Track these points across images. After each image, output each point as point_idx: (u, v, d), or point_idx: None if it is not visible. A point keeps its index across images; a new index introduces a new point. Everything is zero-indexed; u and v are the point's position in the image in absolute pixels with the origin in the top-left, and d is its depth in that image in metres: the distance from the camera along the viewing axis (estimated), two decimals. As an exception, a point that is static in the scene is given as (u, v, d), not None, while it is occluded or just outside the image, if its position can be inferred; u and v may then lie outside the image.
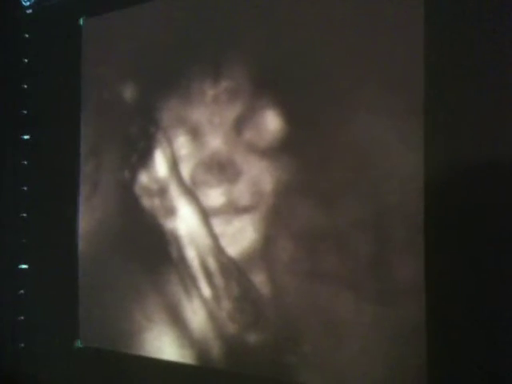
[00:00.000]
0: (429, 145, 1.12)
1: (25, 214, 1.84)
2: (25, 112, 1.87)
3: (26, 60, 1.89)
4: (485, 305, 1.06)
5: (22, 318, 1.82)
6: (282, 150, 1.31)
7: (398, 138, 1.15)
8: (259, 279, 1.32)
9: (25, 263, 1.83)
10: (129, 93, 1.60)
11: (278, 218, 1.31)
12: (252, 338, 1.33)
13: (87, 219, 1.69)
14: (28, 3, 1.91)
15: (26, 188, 1.85)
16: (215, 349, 1.40)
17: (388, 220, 1.16)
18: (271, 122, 1.32)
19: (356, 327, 1.17)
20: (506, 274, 1.05)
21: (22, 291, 1.82)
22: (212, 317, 1.40)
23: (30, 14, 1.90)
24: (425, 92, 1.12)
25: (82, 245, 1.70)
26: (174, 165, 1.49)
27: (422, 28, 1.12)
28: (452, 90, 1.10)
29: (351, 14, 1.21)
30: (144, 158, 1.56)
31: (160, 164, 1.52)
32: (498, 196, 1.06)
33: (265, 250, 1.32)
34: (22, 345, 1.82)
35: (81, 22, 1.75)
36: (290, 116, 1.30)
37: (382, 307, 1.15)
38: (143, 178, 1.56)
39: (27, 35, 1.90)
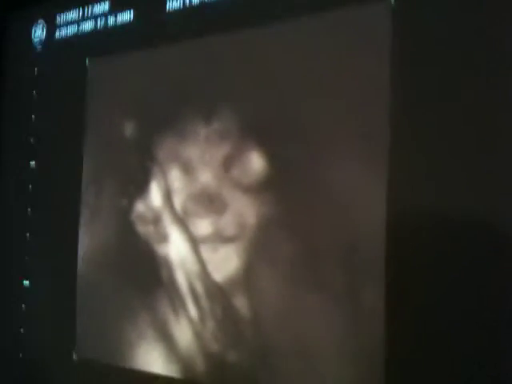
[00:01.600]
0: (391, 190, 1.25)
1: (28, 234, 2.00)
2: (31, 141, 2.04)
3: (34, 92, 2.06)
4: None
5: (22, 330, 1.97)
6: (264, 187, 1.46)
7: (364, 181, 1.29)
8: (240, 303, 1.47)
9: (27, 280, 1.98)
10: (129, 129, 1.76)
11: (258, 247, 1.45)
12: (232, 355, 1.47)
13: (86, 242, 1.83)
14: (38, 40, 2.08)
15: (30, 210, 2.01)
16: (199, 364, 1.54)
17: (354, 252, 1.31)
18: (255, 162, 1.48)
19: (323, 349, 1.32)
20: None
21: (23, 306, 1.97)
22: (197, 335, 1.55)
23: (39, 51, 2.08)
24: (390, 141, 1.27)
25: (80, 265, 1.84)
26: (167, 196, 1.65)
27: (387, 91, 1.27)
28: (416, 141, 1.25)
29: (327, 73, 1.37)
30: (140, 189, 1.71)
31: (155, 195, 1.68)
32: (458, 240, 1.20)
33: (246, 277, 1.46)
34: (21, 355, 1.97)
35: (86, 61, 1.92)
36: (272, 158, 1.45)
37: (347, 331, 1.30)
38: (139, 207, 1.71)
39: (36, 69, 2.07)
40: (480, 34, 1.15)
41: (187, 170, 1.61)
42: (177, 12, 1.71)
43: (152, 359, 1.64)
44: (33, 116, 2.05)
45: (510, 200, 1.09)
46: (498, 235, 1.13)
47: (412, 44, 1.23)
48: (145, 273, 1.68)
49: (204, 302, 1.54)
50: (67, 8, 2.00)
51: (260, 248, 1.46)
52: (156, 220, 1.66)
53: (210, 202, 1.55)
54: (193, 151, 1.60)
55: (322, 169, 1.36)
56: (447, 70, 1.18)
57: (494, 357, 1.10)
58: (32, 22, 2.11)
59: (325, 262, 1.34)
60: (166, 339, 1.61)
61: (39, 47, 2.09)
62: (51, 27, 2.05)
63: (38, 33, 2.09)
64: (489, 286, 1.12)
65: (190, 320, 1.57)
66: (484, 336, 1.11)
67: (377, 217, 1.25)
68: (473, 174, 1.15)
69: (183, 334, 1.58)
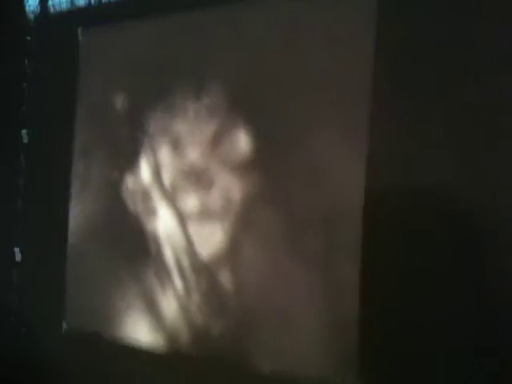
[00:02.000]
0: (370, 162, 1.28)
1: (19, 204, 2.02)
2: (24, 108, 2.05)
3: (26, 61, 2.06)
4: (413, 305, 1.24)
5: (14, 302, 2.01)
6: (250, 164, 1.48)
7: (344, 155, 1.33)
8: (225, 276, 1.51)
9: (18, 248, 2.02)
10: (119, 101, 1.77)
11: (243, 223, 1.49)
12: (216, 326, 1.52)
13: (76, 213, 1.86)
14: (31, 10, 2.07)
15: (22, 180, 2.03)
16: (184, 334, 1.59)
17: (333, 227, 1.35)
18: (242, 140, 1.50)
19: (302, 319, 1.37)
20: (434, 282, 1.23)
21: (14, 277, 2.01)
22: (183, 307, 1.59)
23: (32, 20, 2.06)
24: (370, 115, 1.29)
25: (70, 236, 1.88)
26: (156, 171, 1.67)
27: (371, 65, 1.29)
28: (397, 115, 1.27)
29: (313, 54, 1.39)
30: (130, 162, 1.73)
31: (144, 169, 1.70)
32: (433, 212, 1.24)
33: (231, 251, 1.50)
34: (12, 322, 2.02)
35: (79, 32, 1.91)
36: (258, 135, 1.47)
37: (324, 302, 1.34)
38: (129, 180, 1.73)
39: (29, 38, 2.07)
40: (465, 27, 1.17)
41: (176, 145, 1.63)
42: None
43: (139, 329, 1.69)
44: (24, 84, 2.05)
45: (485, 179, 1.14)
46: (472, 214, 1.17)
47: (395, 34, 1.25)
48: (133, 245, 1.71)
49: (190, 274, 1.58)
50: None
51: (244, 223, 1.49)
52: (145, 194, 1.69)
53: (198, 178, 1.57)
54: (182, 126, 1.62)
55: (305, 147, 1.40)
56: (428, 56, 1.21)
57: (466, 326, 1.15)
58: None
59: (305, 237, 1.39)
60: (153, 310, 1.66)
61: (32, 17, 2.07)
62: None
63: (32, 3, 2.07)
64: (462, 263, 1.16)
65: (176, 292, 1.61)
66: (456, 310, 1.16)
67: (355, 194, 1.30)
68: (450, 153, 1.18)
69: (169, 305, 1.63)
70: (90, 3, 1.88)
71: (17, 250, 2.02)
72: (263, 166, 1.47)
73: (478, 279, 1.16)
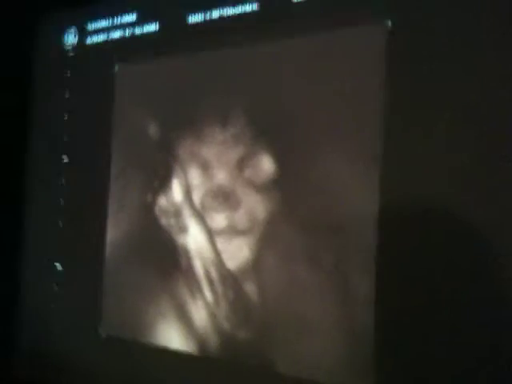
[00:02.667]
0: (383, 185, 1.43)
1: (61, 223, 2.21)
2: (65, 139, 2.25)
3: (67, 94, 2.26)
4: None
5: (53, 309, 2.19)
6: (273, 186, 1.65)
7: (358, 172, 1.48)
8: (250, 288, 1.66)
9: (59, 263, 2.20)
10: (153, 130, 1.95)
11: (267, 240, 1.65)
12: (242, 333, 1.67)
13: (113, 231, 2.04)
14: (70, 46, 2.28)
15: (62, 200, 2.22)
16: (213, 341, 1.74)
17: (348, 239, 1.50)
18: (265, 164, 1.67)
19: (321, 327, 1.52)
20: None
21: (55, 287, 2.19)
22: (211, 316, 1.75)
23: (71, 56, 2.27)
24: (382, 143, 1.45)
25: (108, 251, 2.05)
26: (187, 192, 1.85)
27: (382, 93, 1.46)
28: (407, 142, 1.43)
29: (327, 85, 1.56)
30: (163, 184, 1.90)
31: (176, 190, 1.88)
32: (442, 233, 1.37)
33: (255, 264, 1.66)
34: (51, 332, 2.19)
35: (116, 67, 2.11)
36: (280, 159, 1.64)
37: (341, 311, 1.49)
38: (162, 201, 1.91)
39: (69, 73, 2.27)
40: (478, 60, 1.31)
41: (205, 169, 1.81)
42: (198, 24, 1.89)
43: (171, 336, 1.85)
44: (65, 115, 2.25)
45: (494, 196, 1.27)
46: (485, 228, 1.28)
47: (406, 68, 1.42)
48: (166, 260, 1.88)
49: (218, 286, 1.74)
50: (97, 16, 2.19)
51: (268, 240, 1.65)
52: (177, 213, 1.86)
53: (225, 198, 1.74)
54: (210, 153, 1.80)
55: (321, 167, 1.55)
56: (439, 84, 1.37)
57: (480, 339, 1.26)
58: (64, 28, 2.30)
59: (322, 249, 1.53)
60: (184, 318, 1.82)
61: (71, 52, 2.28)
62: (82, 33, 2.24)
63: (70, 38, 2.28)
64: (477, 275, 1.28)
65: (206, 302, 1.77)
66: (471, 321, 1.27)
67: (369, 208, 1.44)
68: (463, 169, 1.31)
69: (199, 314, 1.78)
70: (124, 36, 2.08)
71: (58, 264, 2.20)
72: (283, 187, 1.63)
73: (496, 290, 1.26)
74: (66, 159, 2.22)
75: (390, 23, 1.46)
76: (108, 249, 2.05)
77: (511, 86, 1.27)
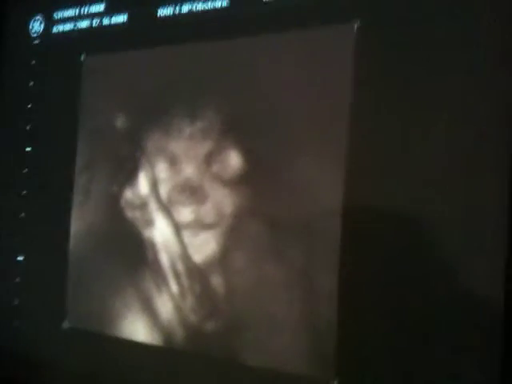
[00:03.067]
0: (348, 184, 1.47)
1: (23, 215, 2.18)
2: (28, 128, 2.21)
3: (32, 83, 2.22)
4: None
5: (17, 302, 2.17)
6: (240, 181, 1.68)
7: (324, 171, 1.51)
8: (216, 280, 1.68)
9: (22, 255, 2.17)
10: (119, 122, 1.94)
11: (233, 234, 1.67)
12: (208, 326, 1.69)
13: (78, 223, 2.03)
14: (36, 34, 2.24)
15: (25, 192, 2.19)
16: (179, 334, 1.76)
17: (313, 237, 1.53)
18: (233, 159, 1.69)
19: (285, 320, 1.55)
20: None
21: (17, 279, 2.16)
22: (177, 309, 1.76)
23: (37, 44, 2.24)
24: (349, 141, 1.48)
25: (72, 243, 2.04)
26: (153, 185, 1.85)
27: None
28: (372, 140, 1.46)
29: (296, 84, 1.59)
30: (129, 177, 1.90)
31: (142, 183, 1.87)
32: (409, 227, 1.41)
33: (222, 258, 1.68)
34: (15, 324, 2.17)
35: (81, 57, 2.09)
36: (248, 155, 1.67)
37: (305, 306, 1.53)
38: (128, 193, 1.90)
39: (34, 61, 2.23)
40: (445, 59, 1.36)
41: (172, 163, 1.81)
42: (167, 18, 1.89)
43: (137, 329, 1.86)
44: (29, 105, 2.21)
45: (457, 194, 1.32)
46: (447, 226, 1.31)
47: (372, 66, 1.46)
48: (131, 252, 1.88)
49: (184, 279, 1.76)
50: (65, 5, 2.15)
51: (235, 234, 1.67)
52: (143, 206, 1.86)
53: (192, 192, 1.75)
54: (178, 146, 1.80)
55: (290, 165, 1.58)
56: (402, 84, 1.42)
57: (441, 336, 1.30)
58: (30, 16, 2.26)
59: (288, 246, 1.56)
60: (150, 311, 1.83)
61: (37, 40, 2.24)
62: (49, 22, 2.20)
63: (36, 26, 2.24)
64: (441, 274, 1.32)
65: (172, 295, 1.78)
66: (432, 318, 1.32)
67: (334, 207, 1.48)
68: (428, 168, 1.35)
69: (165, 307, 1.80)
70: (92, 26, 2.06)
71: (20, 258, 2.17)
72: (251, 182, 1.66)
73: (458, 290, 1.30)
74: (29, 149, 2.19)
75: (358, 23, 1.50)
76: (72, 241, 2.04)
77: (475, 85, 1.32)
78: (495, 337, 1.25)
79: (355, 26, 1.49)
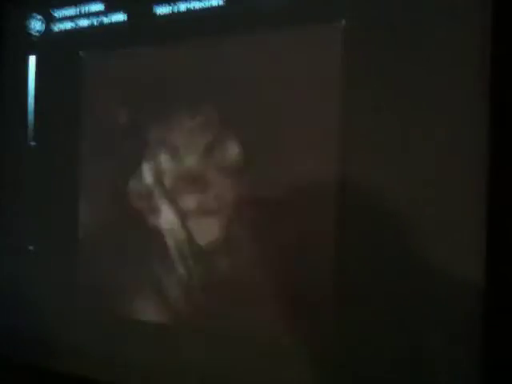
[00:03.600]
0: (338, 173, 1.60)
1: (31, 206, 2.29)
2: (32, 122, 2.31)
3: (31, 81, 2.31)
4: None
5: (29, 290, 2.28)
6: (240, 170, 1.81)
7: (318, 155, 1.65)
8: (220, 263, 1.83)
9: (31, 245, 2.29)
10: (122, 117, 2.05)
11: (234, 220, 1.81)
12: (213, 305, 1.84)
13: (86, 211, 2.14)
14: (36, 33, 2.32)
15: (27, 185, 2.29)
16: (185, 311, 1.91)
17: (308, 228, 1.68)
18: (233, 150, 1.82)
19: (282, 296, 1.71)
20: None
21: (29, 268, 2.27)
22: (184, 288, 1.91)
23: (37, 42, 2.32)
24: (340, 134, 1.62)
25: (80, 232, 2.16)
26: (158, 175, 1.98)
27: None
28: (362, 137, 1.59)
29: (290, 80, 1.71)
30: (135, 168, 2.03)
31: (147, 174, 2.00)
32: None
33: (224, 243, 1.82)
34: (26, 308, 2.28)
35: (82, 55, 2.18)
36: (247, 146, 1.80)
37: (302, 287, 1.68)
38: (134, 184, 2.03)
39: (34, 60, 2.32)
40: (431, 58, 1.47)
41: (174, 154, 1.94)
42: (165, 16, 2.00)
43: (146, 306, 1.99)
44: (32, 101, 2.30)
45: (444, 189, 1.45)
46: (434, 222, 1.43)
47: (361, 64, 1.58)
48: (139, 238, 2.00)
49: (189, 262, 1.89)
50: (65, 4, 2.23)
51: (235, 221, 1.80)
52: (148, 195, 1.98)
53: (194, 181, 1.88)
54: (179, 139, 1.93)
55: (285, 154, 1.71)
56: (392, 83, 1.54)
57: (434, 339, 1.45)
58: (31, 14, 2.32)
59: (284, 229, 1.71)
60: (158, 291, 1.96)
61: (37, 38, 2.32)
62: (49, 20, 2.28)
63: (37, 24, 2.31)
64: (428, 271, 1.46)
65: (178, 276, 1.92)
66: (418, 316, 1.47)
67: (328, 194, 1.62)
68: (418, 166, 1.49)
69: (173, 288, 1.93)
70: (91, 24, 2.16)
71: (31, 247, 2.28)
72: (250, 172, 1.78)
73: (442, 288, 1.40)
74: (34, 144, 2.28)
75: (344, 22, 1.62)
76: (80, 230, 2.15)
77: (460, 83, 1.44)
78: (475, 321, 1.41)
79: (342, 26, 1.62)
